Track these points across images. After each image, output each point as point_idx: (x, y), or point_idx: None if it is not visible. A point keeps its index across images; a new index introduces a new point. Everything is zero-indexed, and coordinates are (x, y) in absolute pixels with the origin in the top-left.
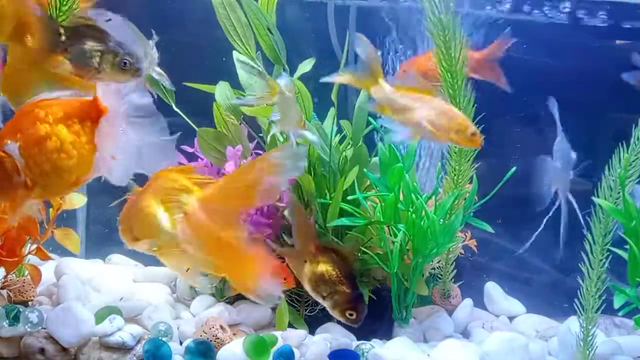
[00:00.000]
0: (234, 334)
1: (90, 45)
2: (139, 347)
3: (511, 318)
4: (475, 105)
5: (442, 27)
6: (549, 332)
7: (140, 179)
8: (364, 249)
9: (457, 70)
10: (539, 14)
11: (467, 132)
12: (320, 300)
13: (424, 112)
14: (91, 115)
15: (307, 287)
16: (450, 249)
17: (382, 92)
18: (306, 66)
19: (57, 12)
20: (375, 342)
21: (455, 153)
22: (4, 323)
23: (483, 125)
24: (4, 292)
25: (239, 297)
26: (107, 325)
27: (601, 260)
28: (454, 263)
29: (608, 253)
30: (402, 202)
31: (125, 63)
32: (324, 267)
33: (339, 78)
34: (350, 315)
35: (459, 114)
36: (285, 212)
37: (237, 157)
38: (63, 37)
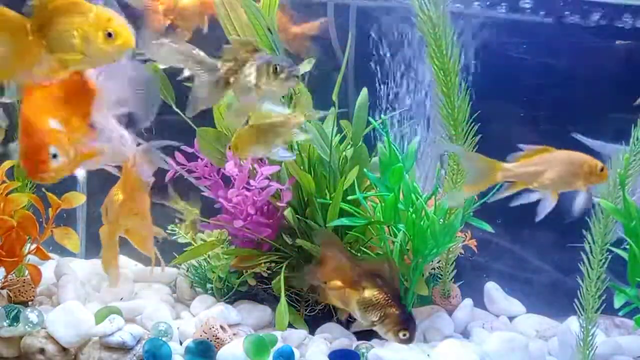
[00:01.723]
0: (234, 334)
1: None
2: (139, 347)
3: (511, 318)
4: (471, 103)
5: (432, 25)
6: (549, 332)
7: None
8: (364, 249)
9: (450, 68)
10: (539, 14)
11: (597, 170)
12: (371, 326)
13: (554, 170)
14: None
15: (357, 315)
16: (450, 249)
17: (510, 172)
18: (306, 66)
19: None
20: (375, 342)
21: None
22: (4, 323)
23: (480, 124)
24: (4, 292)
25: (239, 297)
26: (107, 325)
27: (601, 260)
28: (454, 263)
29: (608, 253)
30: (402, 202)
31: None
32: (370, 293)
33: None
34: (404, 335)
35: (581, 155)
36: (285, 213)
37: (237, 157)
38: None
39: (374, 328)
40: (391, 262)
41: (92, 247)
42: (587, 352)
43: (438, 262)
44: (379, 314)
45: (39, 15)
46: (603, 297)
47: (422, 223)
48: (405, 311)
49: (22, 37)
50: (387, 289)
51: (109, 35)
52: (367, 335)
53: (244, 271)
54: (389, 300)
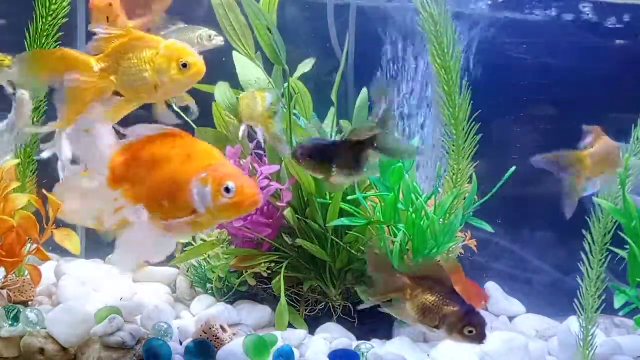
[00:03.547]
0: (234, 334)
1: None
2: (139, 347)
3: (511, 318)
4: (472, 102)
5: (434, 23)
6: (549, 332)
7: None
8: (364, 249)
9: (452, 66)
10: (538, 14)
11: None
12: (436, 331)
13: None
14: None
15: (418, 323)
16: (450, 249)
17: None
18: (306, 66)
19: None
20: (375, 342)
21: (453, 152)
22: (4, 323)
23: (481, 124)
24: (4, 292)
25: (239, 297)
26: (107, 325)
27: (600, 260)
28: None
29: (607, 253)
30: (402, 202)
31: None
32: (424, 298)
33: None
34: (470, 332)
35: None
36: (285, 213)
37: (236, 157)
38: None
39: (440, 333)
40: (436, 262)
41: (92, 247)
42: (587, 352)
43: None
44: (437, 317)
45: (107, 53)
46: (603, 297)
47: (422, 223)
48: (465, 306)
49: (88, 75)
50: (439, 288)
51: (184, 65)
52: (367, 335)
53: (244, 271)
54: (444, 300)
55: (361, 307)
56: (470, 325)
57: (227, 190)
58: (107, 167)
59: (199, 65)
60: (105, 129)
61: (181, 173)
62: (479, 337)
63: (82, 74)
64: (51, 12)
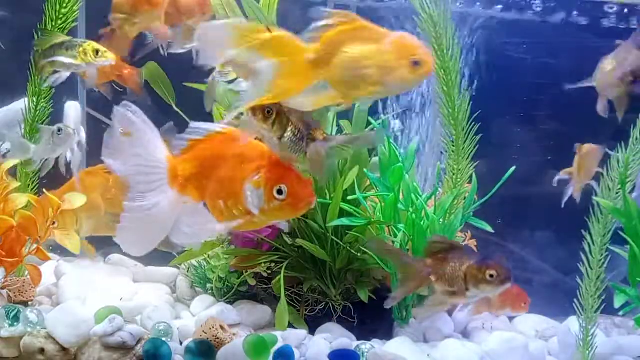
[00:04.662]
0: (234, 334)
1: None
2: (139, 347)
3: (511, 318)
4: (472, 102)
5: (433, 24)
6: (549, 332)
7: None
8: (364, 249)
9: (451, 66)
10: (538, 14)
11: None
12: (474, 299)
13: None
14: None
15: (454, 300)
16: None
17: None
18: None
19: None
20: (375, 342)
21: (453, 152)
22: (4, 323)
23: (480, 124)
24: (4, 292)
25: (239, 297)
26: (107, 325)
27: (600, 260)
28: None
29: (607, 253)
30: (402, 202)
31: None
32: (444, 270)
33: None
34: (492, 276)
35: None
36: None
37: None
38: None
39: (470, 298)
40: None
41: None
42: (587, 352)
43: None
44: (461, 280)
45: (322, 43)
46: (603, 297)
47: (422, 223)
48: (480, 256)
49: (298, 63)
50: (452, 255)
51: (415, 63)
52: (367, 335)
53: (244, 271)
54: (460, 261)
55: (388, 304)
56: (489, 269)
57: (280, 192)
58: (166, 171)
59: (430, 62)
60: (154, 132)
61: (235, 175)
62: (503, 277)
63: (291, 61)
64: (61, 16)
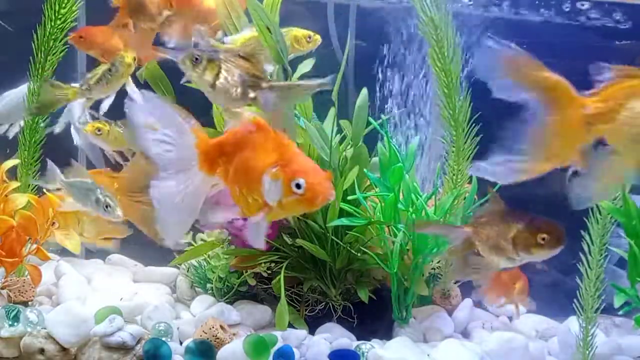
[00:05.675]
0: (234, 334)
1: None
2: (139, 347)
3: (511, 318)
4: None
5: (434, 26)
6: (549, 332)
7: None
8: (364, 249)
9: (452, 69)
10: (538, 14)
11: None
12: (517, 260)
13: None
14: None
15: (500, 263)
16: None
17: None
18: (306, 66)
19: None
20: (375, 342)
21: (453, 152)
22: (4, 323)
23: (481, 124)
24: (4, 292)
25: (239, 297)
26: (107, 325)
27: (599, 260)
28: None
29: (606, 253)
30: (402, 202)
31: None
32: (489, 234)
33: None
34: (543, 239)
35: None
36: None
37: None
38: None
39: (523, 258)
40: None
41: (93, 247)
42: (587, 352)
43: (438, 262)
44: (510, 244)
45: (604, 94)
46: (603, 297)
47: None
48: (528, 217)
49: (572, 119)
50: (496, 217)
51: None
52: (367, 335)
53: (244, 271)
54: (506, 224)
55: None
56: (540, 232)
57: (298, 186)
58: (196, 153)
59: None
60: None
61: (255, 165)
62: (556, 240)
63: (566, 112)
64: (60, 16)
